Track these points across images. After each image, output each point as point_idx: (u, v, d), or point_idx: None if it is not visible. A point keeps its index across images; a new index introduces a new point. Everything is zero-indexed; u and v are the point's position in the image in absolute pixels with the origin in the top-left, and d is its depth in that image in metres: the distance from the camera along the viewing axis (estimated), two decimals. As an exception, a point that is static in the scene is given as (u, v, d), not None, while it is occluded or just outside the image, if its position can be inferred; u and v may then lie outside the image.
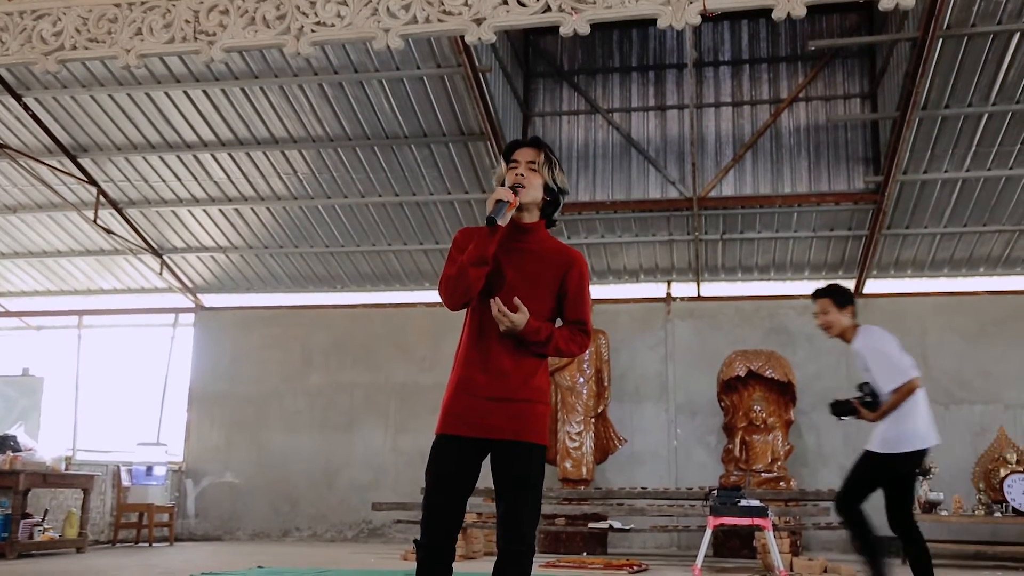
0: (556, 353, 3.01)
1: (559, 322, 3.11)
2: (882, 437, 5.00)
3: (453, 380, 3.03)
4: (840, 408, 5.26)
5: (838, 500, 5.10)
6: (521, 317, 2.89)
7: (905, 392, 4.96)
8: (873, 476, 5.03)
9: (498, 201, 2.91)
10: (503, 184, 3.04)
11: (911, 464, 5.01)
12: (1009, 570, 8.65)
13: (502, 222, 2.91)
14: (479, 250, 2.91)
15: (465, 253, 2.95)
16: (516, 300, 2.90)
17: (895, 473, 4.99)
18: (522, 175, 3.01)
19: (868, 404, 5.07)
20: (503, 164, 3.09)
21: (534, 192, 3.02)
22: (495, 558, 2.95)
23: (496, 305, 2.88)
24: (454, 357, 3.08)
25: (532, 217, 3.07)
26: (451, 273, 2.95)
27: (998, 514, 8.82)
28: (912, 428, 4.97)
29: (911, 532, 5.00)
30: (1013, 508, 8.78)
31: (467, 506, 3.08)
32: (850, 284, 11.14)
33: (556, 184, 3.07)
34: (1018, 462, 9.15)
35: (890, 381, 4.97)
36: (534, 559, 2.98)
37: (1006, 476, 8.98)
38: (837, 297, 5.23)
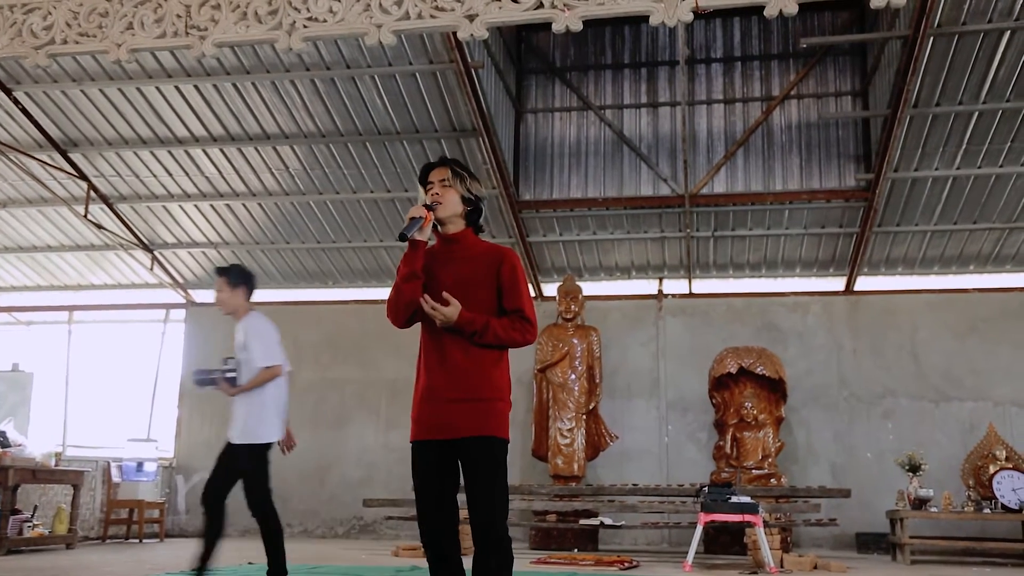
0: (497, 341, 3.13)
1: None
2: (244, 428, 5.24)
3: (417, 388, 3.21)
4: (201, 378, 5.43)
5: (206, 493, 5.25)
6: (452, 310, 3.07)
7: (271, 375, 5.24)
8: (251, 466, 5.27)
9: (412, 219, 3.13)
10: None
11: (266, 450, 5.33)
12: (998, 566, 8.70)
13: (420, 237, 3.15)
14: (408, 266, 3.16)
15: (399, 271, 3.18)
16: (445, 294, 3.09)
17: (261, 459, 5.29)
18: (437, 193, 3.24)
19: (231, 379, 5.26)
20: (421, 189, 3.33)
21: (452, 206, 3.26)
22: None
23: (427, 303, 3.08)
24: (416, 367, 3.25)
25: (457, 227, 3.30)
26: (391, 296, 3.21)
27: (987, 510, 8.86)
28: (269, 417, 5.28)
29: (267, 513, 5.39)
30: (1002, 505, 8.82)
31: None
32: (841, 281, 11.20)
33: (472, 193, 3.32)
34: (1007, 459, 9.19)
35: (265, 359, 5.21)
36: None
37: (995, 473, 9.02)
38: (231, 277, 5.42)
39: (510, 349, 3.22)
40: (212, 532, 5.20)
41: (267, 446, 5.26)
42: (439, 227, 3.27)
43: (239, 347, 5.32)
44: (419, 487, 3.14)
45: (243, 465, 5.21)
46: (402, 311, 3.19)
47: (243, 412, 5.22)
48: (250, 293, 5.42)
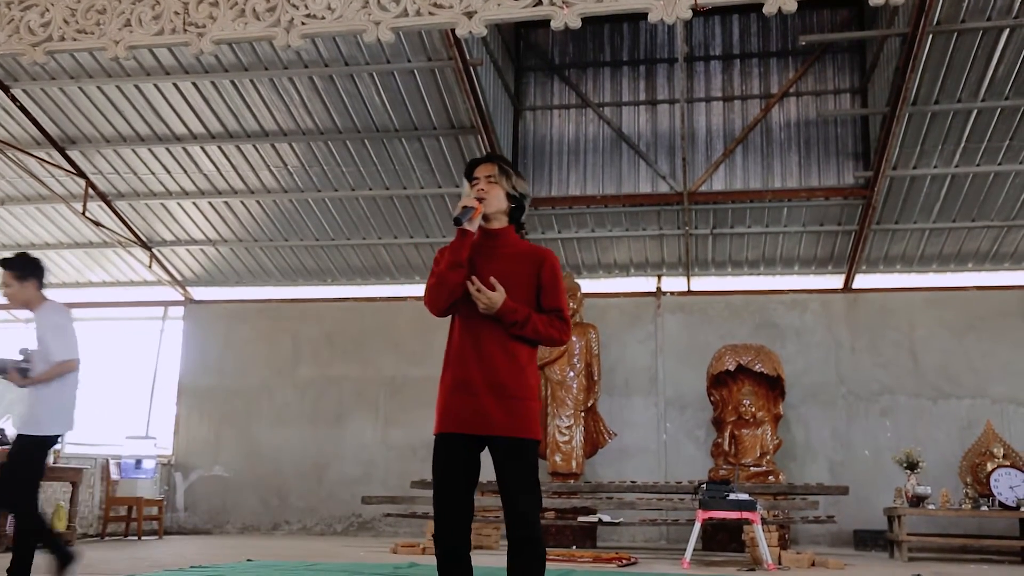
0: (535, 335, 3.16)
1: None
2: (31, 419, 5.03)
3: (447, 379, 3.18)
4: None
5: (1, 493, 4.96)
6: (498, 295, 3.09)
7: (66, 368, 5.08)
8: (30, 458, 5.00)
9: (464, 207, 3.17)
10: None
11: (51, 445, 5.12)
12: (995, 563, 8.71)
13: (470, 227, 3.19)
14: (453, 255, 3.16)
15: (443, 260, 3.18)
16: (492, 279, 3.11)
17: (43, 453, 5.05)
18: (483, 189, 3.27)
19: (22, 370, 5.11)
20: (466, 183, 3.35)
21: (497, 202, 3.29)
22: (502, 551, 3.07)
23: (473, 284, 3.10)
24: (444, 357, 3.23)
25: (501, 223, 3.33)
26: (432, 282, 3.20)
27: (984, 508, 8.88)
28: (60, 410, 5.09)
29: (23, 509, 4.98)
30: (999, 502, 8.84)
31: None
32: (839, 279, 11.21)
33: (516, 191, 3.33)
34: (1005, 456, 9.21)
35: (61, 353, 5.06)
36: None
37: (993, 470, 9.04)
38: (18, 269, 5.20)
39: (541, 346, 3.26)
40: (39, 531, 4.93)
41: (51, 440, 5.06)
42: (482, 222, 3.28)
43: (36, 338, 5.15)
44: (441, 480, 3.11)
45: (22, 455, 4.96)
46: (443, 299, 3.18)
47: (33, 404, 5.04)
48: (40, 283, 5.23)
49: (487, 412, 3.07)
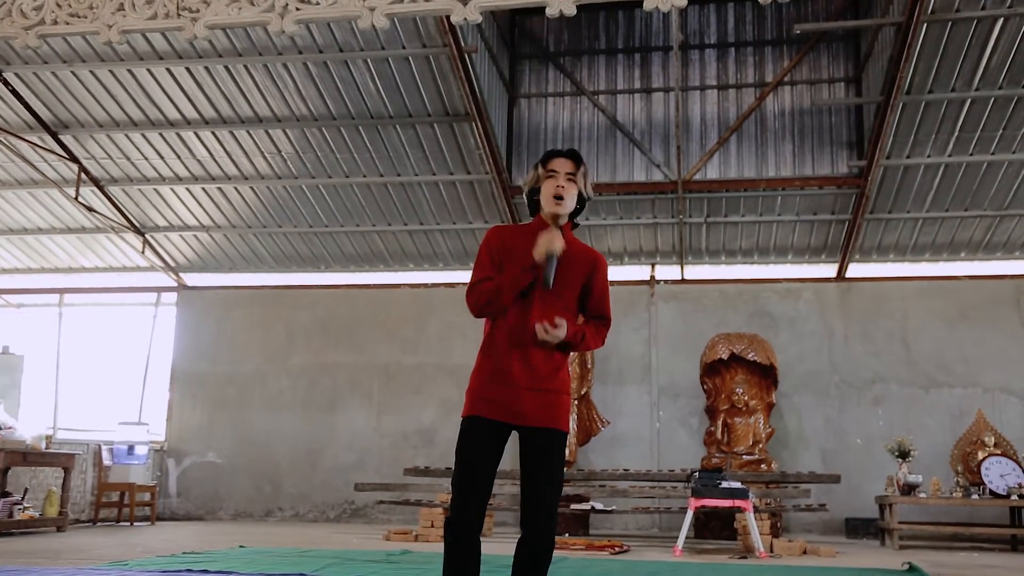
0: (583, 346, 3.21)
1: (579, 318, 3.31)
2: None
3: (484, 366, 3.17)
4: None
5: None
6: (562, 331, 3.08)
7: None
8: None
9: (549, 257, 3.10)
10: (535, 186, 3.32)
11: None
12: (985, 551, 8.77)
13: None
14: (520, 283, 3.12)
15: (507, 276, 3.13)
16: (557, 319, 3.08)
17: None
18: (562, 186, 3.24)
19: None
20: (541, 169, 3.30)
21: (571, 202, 3.28)
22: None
23: (541, 328, 3.06)
24: (481, 346, 3.22)
25: (563, 220, 3.32)
26: (488, 288, 3.14)
27: (975, 496, 8.93)
28: None
29: None
30: (990, 490, 8.89)
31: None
32: (833, 268, 11.23)
33: (587, 193, 3.34)
34: (996, 445, 9.26)
35: None
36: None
37: (984, 459, 9.08)
38: None
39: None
40: None
41: None
42: (548, 217, 3.30)
43: None
44: (470, 462, 3.09)
45: None
46: (492, 311, 3.16)
47: None
48: None
49: (521, 402, 3.08)
